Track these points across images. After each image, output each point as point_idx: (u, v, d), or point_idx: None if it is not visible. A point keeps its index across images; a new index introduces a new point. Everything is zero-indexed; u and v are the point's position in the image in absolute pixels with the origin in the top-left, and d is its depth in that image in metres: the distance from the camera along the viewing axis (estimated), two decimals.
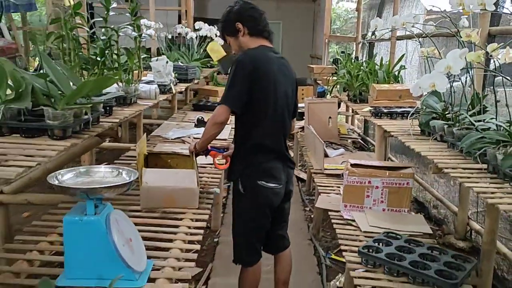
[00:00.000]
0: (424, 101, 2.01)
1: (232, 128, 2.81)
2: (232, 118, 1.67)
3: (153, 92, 2.34)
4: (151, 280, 1.08)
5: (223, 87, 4.00)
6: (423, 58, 1.94)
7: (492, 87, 2.00)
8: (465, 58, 1.30)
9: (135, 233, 1.14)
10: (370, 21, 2.04)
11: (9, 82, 1.29)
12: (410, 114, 1.82)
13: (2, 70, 1.26)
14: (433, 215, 2.98)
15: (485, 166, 1.44)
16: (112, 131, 1.72)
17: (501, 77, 1.66)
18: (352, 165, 1.91)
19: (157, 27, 3.94)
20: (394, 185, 1.87)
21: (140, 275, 1.06)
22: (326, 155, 2.66)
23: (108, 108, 1.70)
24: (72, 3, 1.68)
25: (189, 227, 1.44)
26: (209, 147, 1.68)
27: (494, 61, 1.34)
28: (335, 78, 3.70)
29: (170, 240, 1.33)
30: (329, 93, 3.94)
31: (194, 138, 2.43)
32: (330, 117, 3.21)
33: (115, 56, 1.99)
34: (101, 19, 1.90)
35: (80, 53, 1.81)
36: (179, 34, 4.34)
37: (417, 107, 1.73)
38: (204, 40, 4.32)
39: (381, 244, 1.52)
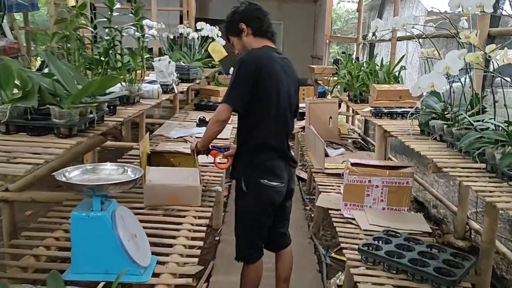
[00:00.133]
0: (424, 101, 2.03)
1: (233, 127, 2.84)
2: (235, 118, 1.69)
3: (156, 92, 2.36)
4: (156, 275, 1.11)
5: (224, 87, 4.04)
6: (423, 59, 1.96)
7: (489, 87, 2.03)
8: (464, 59, 1.32)
9: (139, 229, 1.16)
10: (371, 22, 2.07)
11: (16, 81, 1.32)
12: (409, 114, 1.84)
13: (9, 69, 1.29)
14: (432, 214, 3.00)
15: (483, 165, 1.47)
16: (116, 130, 1.74)
17: (500, 78, 1.69)
18: (353, 164, 1.93)
19: (159, 27, 3.96)
20: (394, 184, 1.90)
21: (145, 270, 1.09)
22: (326, 155, 2.69)
23: (112, 107, 1.72)
24: (76, 3, 1.70)
25: (192, 224, 1.47)
26: (210, 147, 1.71)
27: (492, 62, 1.36)
28: (335, 78, 3.72)
29: (174, 237, 1.35)
30: (329, 93, 3.96)
31: (196, 137, 2.46)
32: (330, 117, 3.23)
33: (118, 56, 2.01)
34: (104, 19, 1.93)
35: (84, 53, 1.84)
36: (181, 34, 4.37)
37: (416, 107, 1.75)
38: (205, 40, 4.34)
39: (380, 242, 1.54)
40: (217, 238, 2.60)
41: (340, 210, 1.92)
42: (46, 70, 1.54)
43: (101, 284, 0.89)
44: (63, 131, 1.28)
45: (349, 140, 3.44)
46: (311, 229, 2.77)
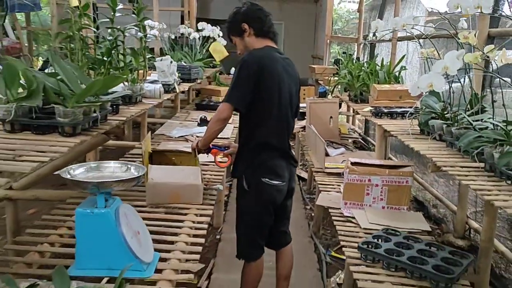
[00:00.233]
0: (423, 101, 2.05)
1: (234, 127, 2.86)
2: (236, 118, 1.71)
3: (158, 91, 2.38)
4: (158, 271, 1.13)
5: (225, 87, 4.06)
6: (422, 59, 1.98)
7: (489, 88, 2.04)
8: (463, 59, 1.33)
9: (142, 226, 1.18)
10: (371, 23, 2.08)
11: (21, 81, 1.34)
12: (408, 114, 1.86)
13: (15, 69, 1.31)
14: (432, 214, 3.02)
15: (482, 164, 1.48)
16: (118, 129, 1.77)
17: (503, 76, 1.70)
18: (353, 164, 1.95)
19: (160, 28, 3.98)
20: (393, 183, 1.91)
21: (148, 266, 1.11)
22: (327, 154, 2.70)
23: (115, 106, 1.74)
24: (79, 4, 1.72)
25: (194, 222, 1.49)
26: (210, 145, 1.72)
27: (491, 63, 1.37)
28: (336, 78, 3.74)
29: (176, 234, 1.37)
30: (330, 93, 3.98)
31: (197, 136, 2.48)
32: (331, 117, 3.25)
33: (121, 56, 2.03)
34: (106, 19, 1.95)
35: (87, 53, 1.86)
36: (182, 34, 4.39)
37: (415, 106, 1.77)
38: (206, 40, 4.36)
39: (380, 240, 1.56)
40: (218, 236, 2.61)
41: (340, 209, 1.94)
42: (47, 70, 1.56)
43: (105, 280, 0.91)
44: (67, 129, 1.30)
45: (350, 140, 3.46)
46: (311, 228, 2.79)
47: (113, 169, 1.14)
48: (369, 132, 4.79)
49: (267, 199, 1.63)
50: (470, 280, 1.43)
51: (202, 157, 1.85)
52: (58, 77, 1.37)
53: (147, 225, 1.28)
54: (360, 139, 4.23)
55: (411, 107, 2.37)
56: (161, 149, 2.16)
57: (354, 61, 3.82)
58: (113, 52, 1.94)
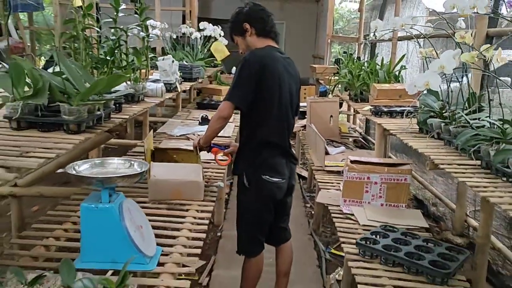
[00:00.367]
0: (422, 100, 2.08)
1: (235, 126, 2.89)
2: (237, 116, 1.74)
3: (160, 90, 2.41)
4: (160, 264, 1.16)
5: (226, 86, 4.09)
6: (421, 58, 2.00)
7: (488, 87, 2.06)
8: (460, 58, 1.36)
9: (145, 221, 1.21)
10: (371, 22, 2.11)
11: (27, 80, 1.38)
12: (405, 113, 1.89)
13: (21, 68, 1.34)
14: (432, 212, 3.04)
15: (479, 162, 1.51)
16: (121, 127, 1.80)
17: (503, 76, 1.71)
18: (352, 162, 1.98)
19: (162, 27, 4.02)
20: (392, 181, 1.94)
21: (150, 259, 1.14)
22: (327, 153, 2.73)
23: (117, 105, 1.78)
24: (82, 4, 1.75)
25: (195, 218, 1.52)
26: (211, 144, 1.75)
27: (490, 62, 1.40)
28: (336, 77, 3.77)
29: (177, 229, 1.40)
30: (331, 92, 4.00)
31: (199, 135, 2.51)
32: (331, 116, 3.27)
33: (123, 56, 2.07)
34: (109, 19, 1.98)
35: (90, 53, 1.89)
36: (184, 34, 4.42)
37: (412, 105, 1.80)
38: (208, 40, 4.39)
39: (378, 236, 1.59)
40: (218, 234, 2.64)
41: (339, 206, 1.97)
42: (50, 70, 1.59)
43: (110, 272, 0.94)
44: (72, 127, 1.33)
45: (350, 139, 3.48)
46: (311, 225, 2.81)
47: (116, 166, 1.18)
48: (370, 131, 4.81)
49: (267, 196, 1.66)
50: (467, 276, 1.45)
51: (204, 155, 1.88)
52: (63, 76, 1.40)
53: (149, 220, 1.31)
54: (360, 138, 4.25)
55: (410, 106, 2.39)
56: (163, 147, 2.19)
57: (355, 60, 3.85)
58: (116, 51, 1.98)
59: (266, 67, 1.58)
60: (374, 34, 2.22)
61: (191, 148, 1.83)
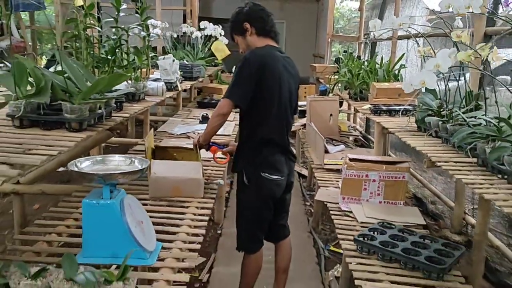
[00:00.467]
0: (420, 99, 2.10)
1: (236, 125, 2.91)
2: (238, 116, 1.76)
3: (160, 89, 2.44)
4: (161, 259, 1.18)
5: (227, 85, 4.10)
6: (419, 57, 2.02)
7: (487, 86, 2.08)
8: (456, 57, 1.38)
9: (146, 217, 1.23)
10: (369, 22, 2.12)
11: (30, 79, 1.40)
12: (401, 110, 1.91)
13: (24, 67, 1.37)
14: (430, 210, 3.06)
15: (475, 159, 1.53)
16: (122, 125, 1.82)
17: (499, 76, 1.73)
18: (351, 159, 2.00)
19: (163, 27, 4.04)
20: (390, 178, 1.96)
21: (151, 254, 1.16)
22: (326, 151, 2.75)
23: (118, 103, 1.80)
24: (84, 3, 1.77)
25: (195, 214, 1.54)
26: (210, 143, 1.78)
27: (484, 61, 1.41)
28: (336, 76, 3.78)
29: (177, 226, 1.43)
30: (330, 91, 4.02)
31: (199, 133, 2.53)
32: (331, 115, 3.29)
33: (124, 55, 2.09)
34: (111, 19, 2.00)
35: (92, 52, 1.91)
36: (184, 33, 4.44)
37: (409, 104, 1.81)
38: (208, 39, 4.41)
39: (375, 233, 1.61)
40: (219, 231, 2.67)
41: (338, 203, 1.99)
42: (52, 69, 1.61)
43: (114, 266, 0.97)
44: (74, 125, 1.36)
45: (351, 138, 3.50)
46: (310, 223, 2.84)
47: (117, 162, 1.20)
48: (370, 130, 4.83)
49: (266, 193, 1.68)
50: (464, 273, 1.46)
51: (203, 153, 1.91)
52: (65, 75, 1.43)
53: (150, 217, 1.33)
54: (361, 137, 4.27)
55: (410, 105, 2.41)
56: (164, 145, 2.21)
57: (355, 59, 3.86)
58: (117, 51, 2.00)
59: (266, 66, 1.60)
60: (373, 33, 2.23)
61: (192, 146, 1.86)
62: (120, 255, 1.09)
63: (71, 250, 1.21)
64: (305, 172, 3.79)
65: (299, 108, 2.05)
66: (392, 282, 1.34)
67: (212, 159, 1.88)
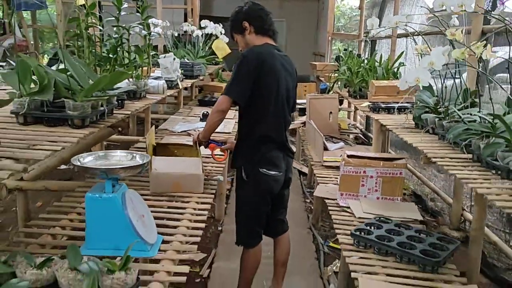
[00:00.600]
0: (418, 96, 2.12)
1: (236, 122, 2.94)
2: (237, 114, 1.79)
3: (161, 87, 2.47)
4: (161, 251, 1.22)
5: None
6: (416, 55, 2.04)
7: (484, 83, 2.10)
8: (450, 55, 1.40)
9: (147, 210, 1.27)
10: (367, 20, 2.15)
11: (33, 77, 1.43)
12: (397, 107, 1.94)
13: (27, 65, 1.40)
14: (430, 207, 3.09)
15: (470, 156, 1.55)
16: (124, 122, 1.85)
17: (498, 74, 1.75)
18: (349, 156, 2.03)
19: (164, 25, 4.07)
20: (387, 174, 1.99)
21: (152, 246, 1.20)
22: (325, 148, 2.77)
23: (120, 101, 1.83)
24: (85, 2, 1.80)
25: (195, 209, 1.58)
26: (209, 140, 1.81)
27: (478, 58, 1.44)
28: (336, 74, 3.81)
29: (178, 220, 1.46)
30: (330, 89, 4.05)
31: (199, 130, 2.56)
32: (330, 112, 3.31)
33: (126, 53, 2.12)
34: (112, 18, 2.04)
35: (93, 51, 1.94)
36: (185, 32, 4.47)
37: (401, 102, 1.84)
38: (209, 38, 4.44)
39: (372, 227, 1.64)
40: (219, 228, 2.70)
41: (336, 199, 2.02)
42: (54, 67, 1.65)
43: (118, 259, 1.00)
44: (76, 122, 1.39)
45: (350, 135, 3.52)
46: (310, 220, 2.87)
47: (119, 158, 1.23)
48: (370, 128, 4.85)
49: (264, 189, 1.71)
50: (461, 269, 1.49)
51: (203, 150, 1.94)
52: (68, 73, 1.46)
53: (151, 211, 1.36)
54: (361, 135, 4.29)
55: (408, 103, 2.44)
56: (164, 142, 2.24)
57: (354, 57, 3.88)
58: (118, 49, 2.03)
59: (264, 63, 1.63)
60: (371, 32, 2.26)
61: (192, 143, 1.89)
62: (122, 247, 1.12)
63: (74, 243, 1.25)
64: (305, 169, 3.82)
65: (299, 106, 2.09)
66: (388, 275, 1.37)
67: (211, 156, 1.91)
